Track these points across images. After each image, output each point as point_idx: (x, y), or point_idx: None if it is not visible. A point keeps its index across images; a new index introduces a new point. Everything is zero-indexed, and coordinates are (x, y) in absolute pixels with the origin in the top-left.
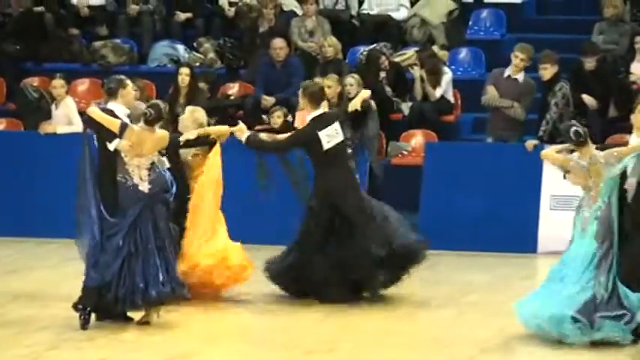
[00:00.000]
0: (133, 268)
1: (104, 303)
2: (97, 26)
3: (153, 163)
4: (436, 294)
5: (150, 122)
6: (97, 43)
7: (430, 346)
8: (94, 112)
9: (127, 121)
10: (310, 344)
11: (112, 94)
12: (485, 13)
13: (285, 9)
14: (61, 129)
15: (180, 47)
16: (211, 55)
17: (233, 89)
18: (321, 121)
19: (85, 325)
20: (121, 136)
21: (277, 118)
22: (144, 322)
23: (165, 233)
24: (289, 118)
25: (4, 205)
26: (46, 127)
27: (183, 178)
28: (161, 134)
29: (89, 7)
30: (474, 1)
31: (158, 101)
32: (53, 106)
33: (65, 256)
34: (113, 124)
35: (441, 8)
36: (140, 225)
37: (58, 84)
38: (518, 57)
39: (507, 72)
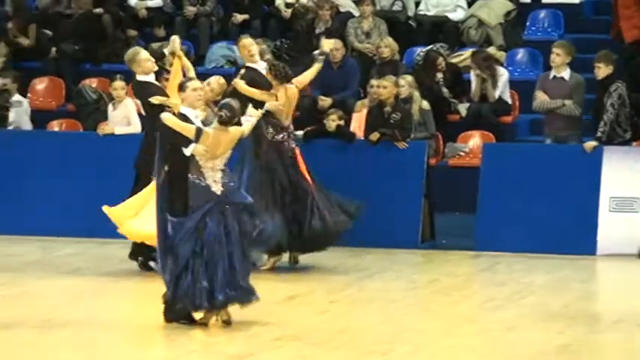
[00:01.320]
0: (197, 268)
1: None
2: (154, 28)
3: (226, 165)
4: (495, 295)
5: (224, 123)
6: (155, 45)
7: (489, 348)
8: (168, 118)
9: (199, 124)
10: (369, 345)
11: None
12: (543, 13)
13: (341, 10)
14: (119, 130)
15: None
16: (268, 56)
17: None
18: None
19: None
20: (197, 141)
21: (332, 122)
22: (202, 323)
23: (236, 238)
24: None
25: (63, 205)
26: (105, 128)
27: None
28: (234, 133)
29: (147, 8)
30: (531, 1)
31: (230, 100)
32: (110, 107)
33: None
34: (188, 130)
35: (498, 9)
36: (209, 225)
37: (118, 85)
38: (554, 52)
39: (552, 73)
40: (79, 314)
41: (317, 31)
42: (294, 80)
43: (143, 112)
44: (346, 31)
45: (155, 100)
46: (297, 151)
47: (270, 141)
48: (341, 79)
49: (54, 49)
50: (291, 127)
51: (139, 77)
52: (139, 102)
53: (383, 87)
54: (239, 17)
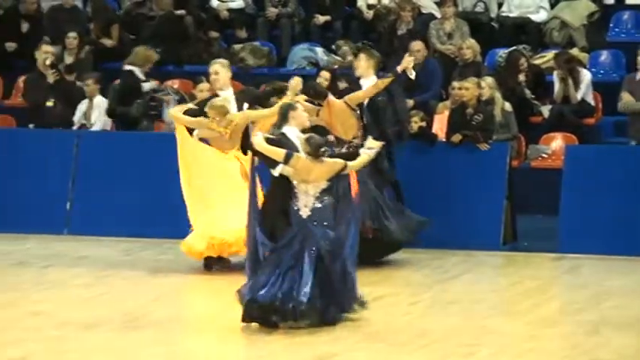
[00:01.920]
0: (279, 275)
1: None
2: (236, 29)
3: (324, 193)
4: (577, 298)
5: (311, 156)
6: (237, 46)
7: (571, 352)
8: (259, 144)
9: (297, 144)
10: (451, 347)
11: (283, 118)
12: (626, 15)
13: (423, 11)
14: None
15: (319, 50)
16: (350, 57)
17: None
18: None
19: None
20: (285, 163)
21: (414, 123)
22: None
23: (317, 254)
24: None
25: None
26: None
27: None
28: (331, 165)
29: (229, 10)
30: (615, 2)
31: (313, 136)
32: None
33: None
34: (277, 154)
35: (581, 10)
36: (294, 246)
37: (204, 87)
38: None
39: (638, 74)
40: (162, 313)
41: (399, 32)
42: (346, 97)
43: None
44: (428, 32)
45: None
46: None
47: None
48: (422, 81)
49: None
50: (355, 141)
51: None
52: None
53: (465, 89)
54: (321, 18)
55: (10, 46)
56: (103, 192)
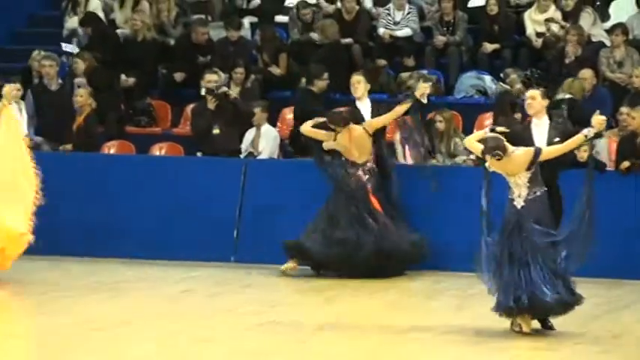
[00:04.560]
0: (506, 276)
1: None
2: (404, 57)
3: (533, 182)
4: None
5: (496, 157)
6: (404, 74)
7: None
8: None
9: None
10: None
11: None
12: None
13: (593, 39)
14: None
15: (487, 78)
16: (518, 85)
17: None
18: None
19: None
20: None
21: (583, 152)
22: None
23: (533, 248)
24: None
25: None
26: None
27: None
28: (521, 155)
29: (396, 38)
30: None
31: (494, 137)
32: None
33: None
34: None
35: None
36: (512, 238)
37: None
38: None
39: None
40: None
41: (567, 60)
42: (365, 122)
43: None
44: (598, 60)
45: None
46: (369, 187)
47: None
48: (591, 109)
49: (303, 80)
50: (368, 164)
51: None
52: None
53: (631, 117)
54: (489, 47)
55: (180, 75)
56: (270, 220)
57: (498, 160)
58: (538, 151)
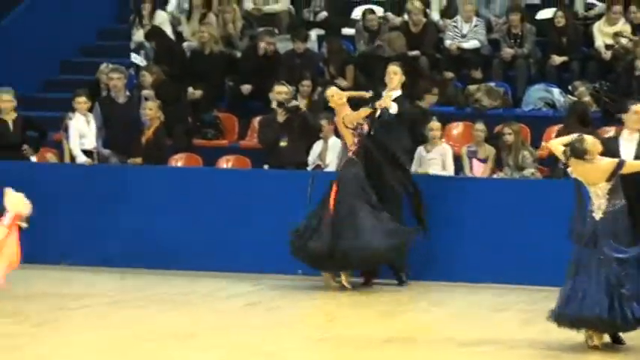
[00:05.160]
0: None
1: None
2: (471, 69)
3: (613, 194)
4: None
5: (574, 157)
6: (472, 87)
7: None
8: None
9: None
10: None
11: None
12: None
13: None
14: (434, 170)
15: (556, 90)
16: (587, 98)
17: (609, 133)
18: None
19: None
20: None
21: None
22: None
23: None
24: None
25: None
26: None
27: None
28: (603, 164)
29: (464, 50)
30: None
31: (579, 137)
32: (421, 149)
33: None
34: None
35: None
36: (585, 249)
37: (435, 126)
38: None
39: None
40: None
41: (636, 72)
42: (343, 115)
43: None
44: None
45: None
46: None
47: None
48: None
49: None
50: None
51: None
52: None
53: None
54: (557, 59)
55: (247, 88)
56: None
57: (577, 158)
58: (621, 163)
